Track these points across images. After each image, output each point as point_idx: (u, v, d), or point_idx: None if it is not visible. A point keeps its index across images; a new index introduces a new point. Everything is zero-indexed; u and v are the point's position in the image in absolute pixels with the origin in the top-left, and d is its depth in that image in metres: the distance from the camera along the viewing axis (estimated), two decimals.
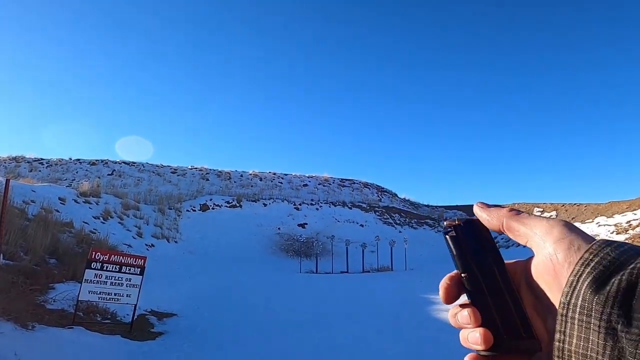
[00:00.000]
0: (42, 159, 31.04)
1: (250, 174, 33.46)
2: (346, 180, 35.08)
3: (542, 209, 26.48)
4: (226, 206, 25.65)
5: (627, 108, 71.23)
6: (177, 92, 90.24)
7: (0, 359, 4.34)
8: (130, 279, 7.25)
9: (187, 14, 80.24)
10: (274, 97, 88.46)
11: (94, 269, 6.93)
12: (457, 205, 32.68)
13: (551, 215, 25.14)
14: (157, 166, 32.11)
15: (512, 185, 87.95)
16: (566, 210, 24.63)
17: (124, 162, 31.52)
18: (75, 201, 18.11)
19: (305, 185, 32.67)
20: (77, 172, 28.96)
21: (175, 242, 19.93)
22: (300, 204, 28.04)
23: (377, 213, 29.21)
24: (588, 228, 20.79)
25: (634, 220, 19.12)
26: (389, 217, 29.16)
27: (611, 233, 19.17)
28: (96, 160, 31.28)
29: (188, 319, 8.16)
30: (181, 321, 8.02)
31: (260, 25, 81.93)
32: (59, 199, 16.90)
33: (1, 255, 7.97)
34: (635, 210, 19.84)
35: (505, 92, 77.88)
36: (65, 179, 26.84)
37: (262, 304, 10.66)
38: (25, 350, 4.73)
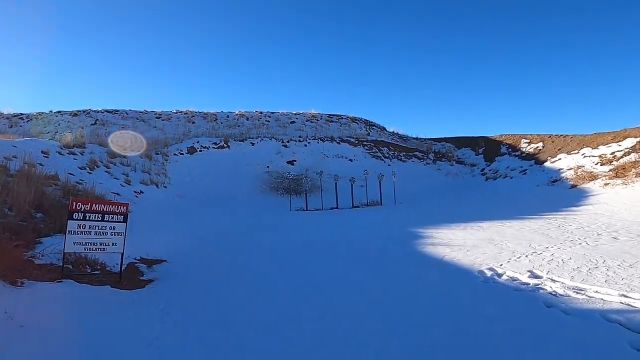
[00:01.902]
0: (21, 114, 30.22)
1: (237, 114, 32.99)
2: (334, 115, 34.73)
3: (529, 140, 26.59)
4: (214, 147, 25.53)
5: (615, 37, 69.61)
6: (159, 34, 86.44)
7: None
8: (114, 227, 7.30)
9: None
10: (257, 34, 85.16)
11: (77, 219, 6.96)
12: (446, 138, 32.66)
13: (537, 147, 25.31)
14: (141, 112, 31.47)
15: (500, 117, 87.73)
16: (552, 142, 24.76)
17: (107, 111, 30.81)
18: (59, 153, 17.86)
19: (293, 122, 32.36)
20: (59, 125, 28.35)
21: (165, 187, 19.98)
22: (288, 141, 27.95)
23: (365, 147, 29.24)
24: (574, 159, 21.04)
25: (618, 151, 19.31)
26: (377, 150, 29.23)
27: (596, 164, 19.43)
28: (78, 110, 30.50)
29: (177, 265, 8.37)
30: (170, 267, 8.23)
31: None
32: (42, 152, 16.65)
33: None
34: (619, 141, 19.99)
35: (492, 16, 75.41)
36: (48, 132, 26.35)
37: (252, 244, 10.91)
38: (15, 306, 4.85)
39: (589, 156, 20.51)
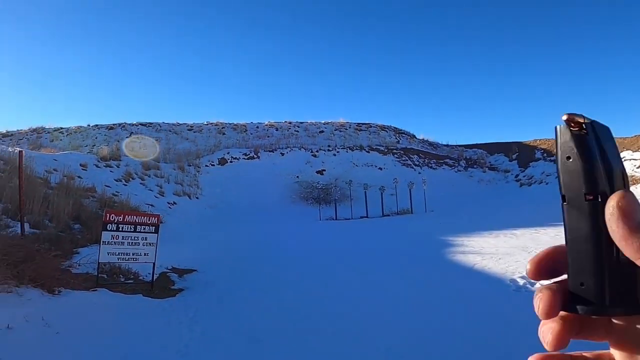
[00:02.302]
0: (61, 128, 31.57)
1: (266, 125, 33.37)
2: (363, 124, 34.64)
3: None
4: (244, 158, 25.89)
5: None
6: (187, 50, 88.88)
7: (28, 324, 4.64)
8: (146, 238, 7.48)
9: None
10: (284, 46, 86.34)
11: (110, 230, 7.18)
12: (477, 144, 32.05)
13: None
14: (173, 125, 32.31)
15: (535, 121, 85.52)
16: None
17: (141, 124, 31.79)
18: (97, 166, 18.55)
19: (322, 131, 32.48)
20: (96, 138, 29.45)
21: (197, 197, 20.40)
22: (317, 151, 28.05)
23: (395, 155, 29.02)
24: None
25: None
26: (407, 158, 28.96)
27: (637, 167, 18.67)
28: (114, 124, 31.62)
29: (207, 274, 8.49)
30: (201, 276, 8.35)
31: None
32: (80, 165, 17.34)
33: (25, 224, 8.34)
34: None
35: (524, 23, 73.90)
36: (86, 146, 27.39)
37: (281, 254, 10.96)
38: (52, 314, 5.04)
39: (630, 159, 19.70)
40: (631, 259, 0.35)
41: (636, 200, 0.36)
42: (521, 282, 6.44)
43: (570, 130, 0.39)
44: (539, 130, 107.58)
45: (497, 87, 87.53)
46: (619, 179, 0.37)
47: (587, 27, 72.33)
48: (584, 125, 0.38)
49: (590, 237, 0.37)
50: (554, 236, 10.22)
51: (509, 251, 8.87)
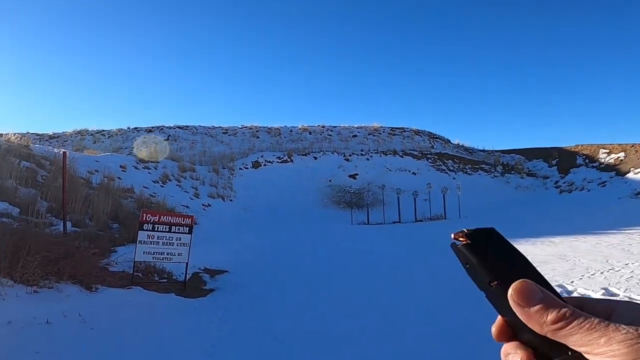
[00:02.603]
0: (103, 131, 32.85)
1: (300, 129, 33.62)
2: (397, 129, 34.39)
3: (608, 150, 24.69)
4: (277, 162, 26.12)
5: None
6: (224, 53, 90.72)
7: (65, 320, 4.82)
8: (180, 238, 7.65)
9: None
10: (318, 50, 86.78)
11: (146, 230, 7.38)
12: (515, 149, 31.20)
13: (618, 157, 23.43)
14: (209, 128, 33.04)
15: (576, 126, 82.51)
16: (636, 151, 22.82)
17: (178, 127, 32.66)
18: (135, 167, 19.17)
19: (355, 136, 32.43)
20: (136, 140, 30.48)
21: (230, 200, 20.73)
22: (350, 155, 28.00)
23: (429, 160, 28.62)
24: None
25: None
26: (441, 163, 28.49)
27: None
28: (152, 127, 32.62)
29: (238, 275, 8.60)
30: (232, 277, 8.47)
31: None
32: (120, 166, 17.96)
33: (67, 223, 8.70)
34: None
35: (566, 25, 71.50)
36: (126, 148, 28.34)
37: (312, 257, 10.98)
38: (88, 310, 5.22)
39: None
40: (541, 334, 0.43)
41: (529, 285, 0.44)
42: (558, 290, 6.17)
43: (460, 243, 0.49)
44: (580, 135, 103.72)
45: (536, 92, 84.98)
46: (505, 268, 0.47)
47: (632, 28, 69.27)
48: (467, 236, 0.49)
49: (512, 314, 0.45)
50: (594, 244, 9.80)
51: (546, 259, 8.57)
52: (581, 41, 74.07)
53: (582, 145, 27.13)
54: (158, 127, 32.53)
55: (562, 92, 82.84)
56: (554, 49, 77.29)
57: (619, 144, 24.58)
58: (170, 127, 32.59)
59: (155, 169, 20.12)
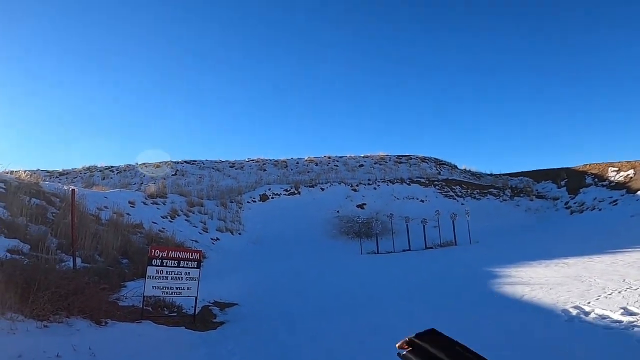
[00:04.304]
0: (112, 167, 33.32)
1: (306, 160, 33.86)
2: (403, 156, 34.54)
3: (617, 168, 24.58)
4: (285, 194, 26.19)
5: None
6: (226, 89, 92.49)
7: (75, 353, 4.79)
8: (188, 273, 7.66)
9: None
10: (320, 79, 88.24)
11: (155, 265, 7.41)
12: (522, 172, 31.13)
13: (628, 174, 23.29)
14: (216, 162, 33.38)
15: (584, 145, 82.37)
16: None
17: (186, 162, 33.05)
18: (144, 203, 19.31)
19: (361, 165, 32.57)
20: (144, 176, 30.79)
21: (239, 233, 20.72)
22: (357, 185, 28.03)
23: (436, 187, 28.56)
24: None
25: None
26: (449, 189, 28.42)
27: None
28: (160, 162, 33.05)
29: (248, 308, 8.53)
30: (242, 310, 8.40)
31: (301, 5, 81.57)
32: (129, 202, 18.10)
33: (77, 259, 8.73)
34: None
35: (572, 46, 72.47)
36: (134, 183, 28.63)
37: (322, 288, 10.87)
38: (98, 344, 5.19)
39: None
40: None
41: None
42: (574, 312, 6.06)
43: (404, 350, 0.53)
44: (588, 155, 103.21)
45: (540, 113, 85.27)
46: None
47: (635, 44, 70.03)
48: (408, 344, 0.53)
49: None
50: (610, 264, 9.62)
51: (561, 281, 8.41)
52: (584, 61, 74.84)
53: (590, 164, 27.02)
54: (166, 162, 32.93)
55: (566, 112, 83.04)
56: (556, 72, 78.03)
57: (628, 162, 24.46)
58: (177, 162, 32.98)
59: (164, 204, 20.25)
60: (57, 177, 29.85)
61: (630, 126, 79.54)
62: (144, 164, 33.09)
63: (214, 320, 7.59)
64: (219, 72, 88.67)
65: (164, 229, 16.51)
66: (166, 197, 21.15)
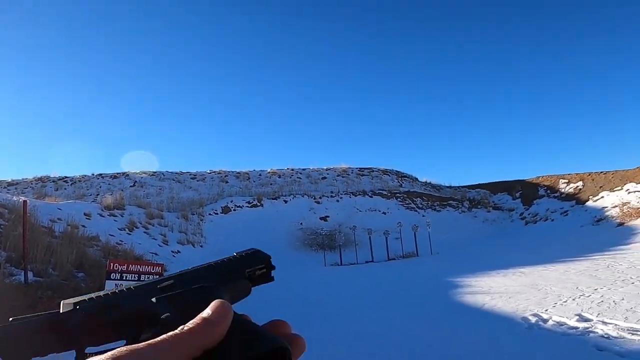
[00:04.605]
0: (66, 177, 31.93)
1: (269, 172, 33.69)
2: (365, 169, 34.97)
3: (567, 180, 25.84)
4: (247, 206, 25.92)
5: None
6: (187, 99, 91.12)
7: None
8: None
9: (187, 18, 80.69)
10: (283, 94, 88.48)
11: (114, 279, 7.14)
12: (480, 184, 32.20)
13: (577, 186, 24.51)
14: (176, 173, 32.65)
15: (537, 158, 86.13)
16: (593, 179, 23.96)
17: (144, 173, 32.14)
18: (100, 215, 18.59)
19: (324, 178, 32.71)
20: (100, 187, 29.67)
21: (201, 246, 20.27)
22: (320, 197, 28.10)
23: (398, 199, 29.04)
24: (618, 196, 20.23)
25: None
26: (410, 202, 28.96)
27: None
28: (117, 173, 31.99)
29: None
30: None
31: (264, 19, 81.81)
32: (84, 214, 17.37)
33: (29, 272, 8.27)
34: None
35: (524, 63, 76.01)
36: (90, 195, 27.54)
37: (291, 299, 10.75)
38: None
39: (634, 192, 19.62)
40: None
41: None
42: (533, 319, 6.27)
43: None
44: (541, 167, 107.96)
45: (495, 127, 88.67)
46: None
47: (583, 65, 74.28)
48: None
49: None
50: (563, 272, 10.04)
51: (519, 289, 8.70)
52: (536, 75, 78.59)
53: (543, 176, 28.26)
54: (123, 173, 31.91)
55: (519, 125, 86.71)
56: (510, 85, 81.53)
57: (577, 174, 25.75)
58: (136, 173, 32.03)
59: (122, 216, 19.57)
60: (5, 187, 28.29)
61: (580, 139, 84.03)
62: (100, 174, 31.93)
63: None
64: (178, 81, 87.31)
65: (121, 241, 15.93)
66: (124, 209, 20.46)
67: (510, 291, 8.62)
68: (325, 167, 34.94)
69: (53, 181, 31.11)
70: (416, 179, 35.25)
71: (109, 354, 0.39)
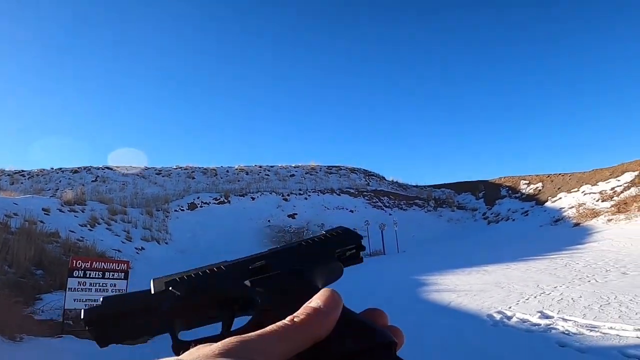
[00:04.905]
0: (23, 171, 30.57)
1: (237, 169, 33.33)
2: (333, 167, 35.11)
3: (528, 181, 26.77)
4: (214, 203, 25.56)
5: (609, 80, 72.21)
6: (154, 93, 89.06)
7: None
8: (115, 284, 7.26)
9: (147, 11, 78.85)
10: (253, 87, 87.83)
11: (77, 277, 6.94)
12: (445, 184, 32.91)
13: (537, 187, 25.44)
14: (141, 168, 31.84)
15: (499, 159, 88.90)
16: (552, 181, 24.92)
17: (107, 168, 31.19)
18: (60, 210, 17.91)
19: (292, 175, 32.65)
20: (60, 182, 28.59)
21: (166, 243, 19.86)
22: (288, 195, 28.03)
23: (365, 197, 29.32)
24: (574, 197, 21.12)
25: (618, 186, 19.44)
26: (377, 200, 29.30)
27: (597, 201, 19.49)
28: (78, 167, 30.90)
29: None
30: None
31: (231, 17, 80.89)
32: (43, 209, 16.69)
33: None
34: (618, 176, 20.15)
35: (487, 63, 78.17)
36: (49, 189, 26.50)
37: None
38: None
39: (589, 193, 20.54)
40: None
41: None
42: (498, 317, 6.48)
43: None
44: (503, 168, 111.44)
45: (462, 127, 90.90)
46: None
47: (541, 71, 77.13)
48: None
49: None
50: (524, 271, 10.41)
51: (483, 287, 8.96)
52: (496, 77, 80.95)
53: (504, 177, 29.17)
54: (85, 168, 30.85)
55: (484, 125, 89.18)
56: (474, 87, 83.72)
57: (537, 175, 26.73)
58: (98, 168, 31.03)
59: (83, 212, 18.92)
60: None
61: (541, 141, 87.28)
62: (60, 169, 30.75)
63: None
64: (145, 76, 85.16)
65: (83, 238, 15.40)
66: (85, 205, 19.78)
67: (475, 289, 8.86)
68: (293, 165, 34.89)
69: (8, 175, 29.74)
70: (383, 177, 35.69)
71: (220, 344, 0.37)
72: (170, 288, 0.52)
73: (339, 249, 0.59)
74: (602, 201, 19.11)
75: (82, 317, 0.50)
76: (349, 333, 0.42)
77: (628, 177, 19.53)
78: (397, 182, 35.24)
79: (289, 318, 0.41)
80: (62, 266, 10.30)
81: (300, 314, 0.42)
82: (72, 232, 15.41)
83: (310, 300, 0.44)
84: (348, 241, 0.61)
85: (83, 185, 26.01)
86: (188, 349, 0.39)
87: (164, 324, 0.50)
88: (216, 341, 0.38)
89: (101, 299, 0.49)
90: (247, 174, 32.43)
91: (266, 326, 0.40)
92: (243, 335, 0.38)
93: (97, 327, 0.48)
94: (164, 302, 0.50)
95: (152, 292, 0.51)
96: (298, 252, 0.58)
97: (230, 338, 0.38)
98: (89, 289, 7.06)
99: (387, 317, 0.49)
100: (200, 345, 0.39)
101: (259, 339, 0.38)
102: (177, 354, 0.41)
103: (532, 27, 72.17)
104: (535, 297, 7.49)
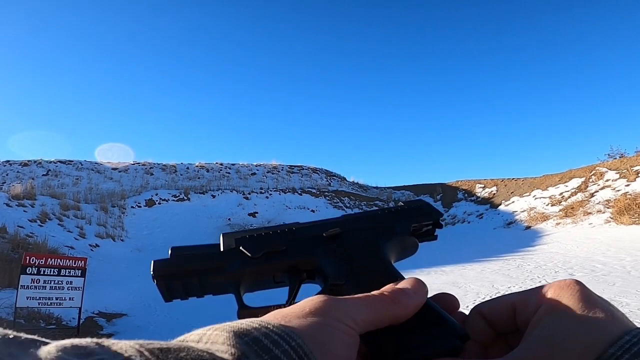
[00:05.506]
0: None
1: (197, 166, 32.73)
2: (295, 166, 35.09)
3: (483, 185, 27.73)
4: (173, 200, 24.99)
5: (563, 89, 75.89)
6: (112, 85, 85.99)
7: None
8: (71, 282, 6.99)
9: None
10: (215, 85, 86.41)
11: (30, 274, 6.65)
12: (405, 186, 33.57)
13: (492, 191, 26.43)
14: (96, 163, 30.70)
15: (456, 163, 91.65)
16: (505, 185, 25.93)
17: (60, 161, 29.86)
18: (8, 205, 17.04)
19: (254, 173, 32.39)
20: (7, 175, 27.13)
21: (122, 240, 19.24)
22: (249, 193, 27.77)
23: (327, 198, 29.48)
24: (526, 201, 22.08)
25: (566, 192, 20.47)
26: (338, 201, 29.52)
27: (546, 205, 20.45)
28: (28, 161, 29.41)
29: (139, 318, 7.97)
30: (132, 321, 7.82)
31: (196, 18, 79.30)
32: None
33: None
34: (566, 182, 21.23)
35: (444, 69, 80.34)
36: None
37: (220, 298, 10.56)
38: None
39: (540, 198, 21.55)
40: None
41: None
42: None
43: None
44: (460, 172, 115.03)
45: (420, 131, 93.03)
46: None
47: (498, 76, 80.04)
48: None
49: None
50: (480, 271, 10.81)
51: (441, 287, 9.23)
52: (456, 84, 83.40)
53: (461, 180, 30.10)
54: (35, 161, 29.39)
55: (445, 130, 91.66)
56: (436, 93, 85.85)
57: (492, 179, 27.77)
58: (50, 162, 29.64)
59: (32, 206, 18.04)
60: None
61: (496, 146, 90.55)
62: (8, 161, 29.17)
63: (101, 333, 6.94)
64: (106, 71, 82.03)
65: (32, 233, 14.72)
66: (35, 199, 18.87)
67: (434, 289, 8.69)
68: (255, 163, 34.60)
69: None
70: (344, 178, 35.99)
71: (309, 302, 0.36)
72: (240, 247, 0.50)
73: (417, 223, 0.56)
74: (552, 205, 20.08)
75: (151, 269, 0.48)
76: (424, 323, 0.42)
77: (575, 183, 20.63)
78: (357, 183, 35.63)
79: (377, 291, 0.42)
80: (11, 262, 9.83)
81: (388, 289, 0.42)
82: (21, 227, 14.72)
83: (397, 282, 0.45)
84: (428, 216, 0.57)
85: (33, 179, 24.78)
86: (254, 315, 0.37)
87: (230, 285, 0.49)
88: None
89: (170, 249, 0.47)
90: (207, 171, 31.91)
91: None
92: (333, 297, 0.38)
93: (165, 282, 0.46)
94: (234, 262, 0.49)
95: (222, 249, 0.50)
96: (374, 220, 0.55)
97: (319, 296, 0.38)
98: (43, 286, 6.77)
99: (458, 301, 0.49)
100: (290, 305, 0.38)
101: (350, 302, 0.38)
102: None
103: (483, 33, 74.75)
104: (490, 296, 7.70)
